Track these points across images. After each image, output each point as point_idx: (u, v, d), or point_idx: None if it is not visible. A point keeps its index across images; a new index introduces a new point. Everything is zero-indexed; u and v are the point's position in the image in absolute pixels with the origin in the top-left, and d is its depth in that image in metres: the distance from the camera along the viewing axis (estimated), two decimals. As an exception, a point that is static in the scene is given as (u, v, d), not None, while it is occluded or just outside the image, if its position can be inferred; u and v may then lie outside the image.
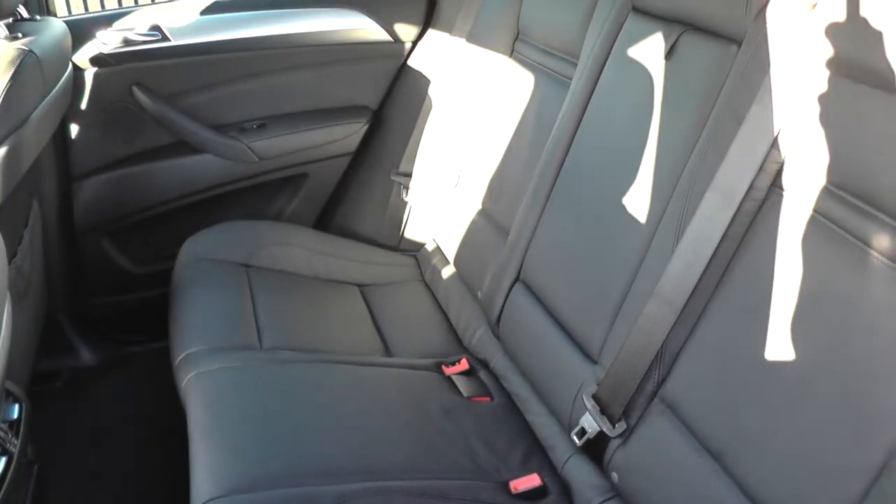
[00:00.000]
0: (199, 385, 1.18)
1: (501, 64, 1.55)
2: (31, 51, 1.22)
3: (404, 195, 1.76)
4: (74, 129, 1.62)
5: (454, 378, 1.31)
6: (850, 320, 0.75)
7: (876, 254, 0.73)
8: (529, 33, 1.51)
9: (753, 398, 0.83)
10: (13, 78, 1.12)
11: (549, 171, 1.28)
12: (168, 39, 1.64)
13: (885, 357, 0.71)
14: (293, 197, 1.84)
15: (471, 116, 1.60)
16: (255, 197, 1.82)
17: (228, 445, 1.04)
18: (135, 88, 1.63)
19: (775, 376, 0.81)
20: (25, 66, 1.18)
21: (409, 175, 1.74)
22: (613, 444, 1.01)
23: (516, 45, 1.54)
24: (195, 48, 1.66)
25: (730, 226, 0.88)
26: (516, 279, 1.31)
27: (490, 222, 1.48)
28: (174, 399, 1.24)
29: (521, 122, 1.47)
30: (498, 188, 1.49)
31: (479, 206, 1.53)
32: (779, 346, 0.81)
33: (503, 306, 1.33)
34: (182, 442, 1.10)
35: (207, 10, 1.71)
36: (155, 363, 1.44)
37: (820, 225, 0.80)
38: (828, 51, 0.80)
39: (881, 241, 0.73)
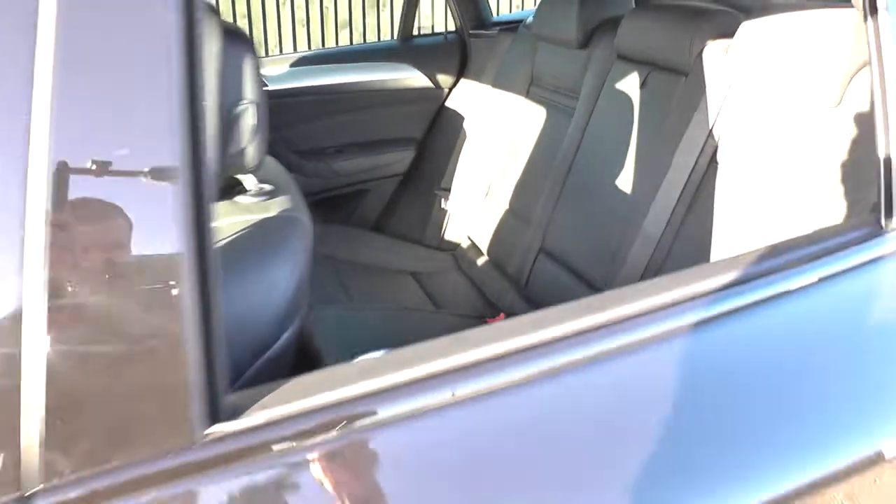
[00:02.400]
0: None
1: (519, 102, 2.08)
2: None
3: (444, 205, 2.26)
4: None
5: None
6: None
7: (764, 185, 1.23)
8: (541, 79, 2.03)
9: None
10: None
11: (562, 171, 1.79)
12: (266, 85, 2.16)
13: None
14: (356, 207, 2.35)
15: (497, 141, 2.12)
16: (327, 207, 2.32)
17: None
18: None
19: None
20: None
21: (448, 189, 2.25)
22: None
23: (531, 88, 2.07)
24: (287, 92, 2.19)
25: (685, 186, 1.38)
26: (539, 251, 1.80)
27: (515, 216, 1.97)
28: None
29: (537, 141, 1.98)
30: (521, 190, 1.99)
31: (507, 207, 2.03)
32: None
33: (530, 272, 1.81)
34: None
35: (295, 63, 2.24)
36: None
37: (740, 178, 1.30)
38: (736, 76, 1.32)
39: (769, 177, 1.23)
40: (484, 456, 0.57)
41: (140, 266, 0.48)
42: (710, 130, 1.36)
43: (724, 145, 1.34)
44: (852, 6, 1.05)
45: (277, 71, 2.20)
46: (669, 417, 0.61)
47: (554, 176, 1.82)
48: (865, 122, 1.03)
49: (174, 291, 0.48)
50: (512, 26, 2.24)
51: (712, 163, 1.37)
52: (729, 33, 1.35)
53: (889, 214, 0.75)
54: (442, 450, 0.56)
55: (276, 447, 0.52)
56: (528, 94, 2.07)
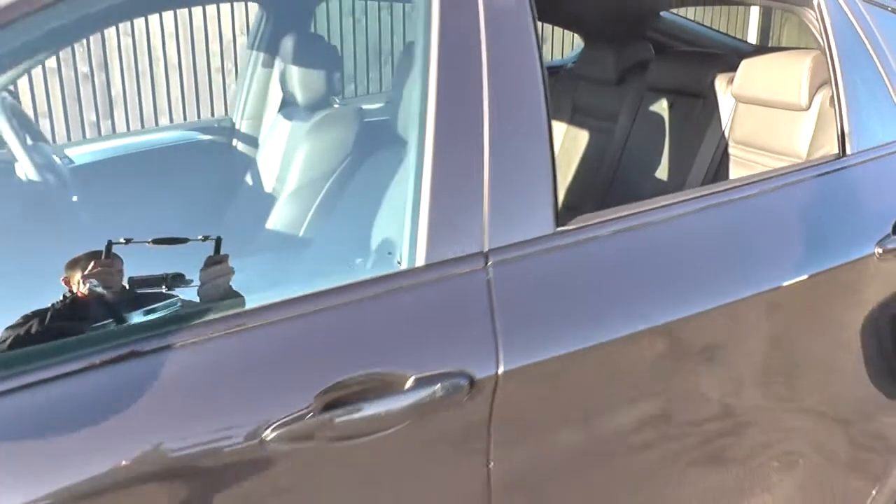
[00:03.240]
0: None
1: (565, 128, 2.71)
2: None
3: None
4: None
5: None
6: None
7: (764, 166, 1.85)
8: (583, 108, 2.66)
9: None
10: None
11: (607, 180, 2.41)
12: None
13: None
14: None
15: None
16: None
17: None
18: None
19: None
20: None
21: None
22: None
23: (574, 116, 2.70)
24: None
25: (705, 176, 2.00)
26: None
27: (570, 211, 2.58)
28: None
29: (581, 158, 2.60)
30: (574, 191, 2.60)
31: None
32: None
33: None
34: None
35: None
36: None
37: (745, 164, 1.92)
38: (738, 97, 1.95)
39: (767, 162, 1.85)
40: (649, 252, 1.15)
41: None
42: (723, 134, 1.99)
43: (733, 143, 1.97)
44: (810, 48, 1.69)
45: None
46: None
47: (599, 184, 2.43)
48: (825, 116, 1.65)
49: None
50: (553, 70, 2.89)
51: (724, 156, 1.99)
52: (732, 68, 1.99)
53: (843, 150, 1.37)
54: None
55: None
56: (570, 122, 2.70)
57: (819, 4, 1.42)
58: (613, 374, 1.08)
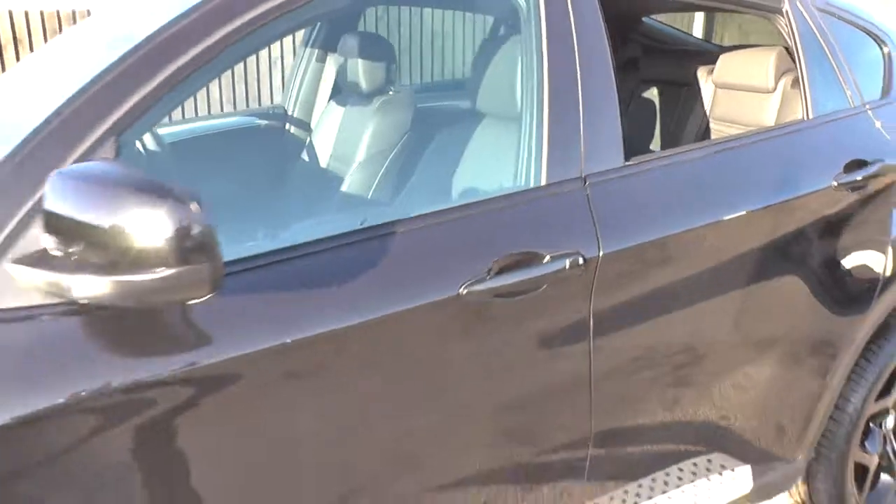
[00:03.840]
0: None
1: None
2: None
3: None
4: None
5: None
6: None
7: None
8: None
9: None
10: None
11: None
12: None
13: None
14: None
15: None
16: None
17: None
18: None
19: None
20: None
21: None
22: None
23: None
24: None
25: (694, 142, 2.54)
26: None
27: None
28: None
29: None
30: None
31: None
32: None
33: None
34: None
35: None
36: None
37: (721, 133, 2.45)
38: (718, 83, 2.49)
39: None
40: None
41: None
42: (705, 113, 2.53)
43: (713, 120, 2.50)
44: (773, 45, 2.24)
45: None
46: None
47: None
48: (787, 96, 2.19)
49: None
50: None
51: (707, 130, 2.53)
52: (709, 62, 2.52)
53: (806, 115, 1.90)
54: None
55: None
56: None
57: (787, 13, 1.96)
58: (666, 260, 1.58)
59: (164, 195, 0.96)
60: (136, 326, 1.09)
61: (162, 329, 1.11)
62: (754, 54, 2.33)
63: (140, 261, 0.96)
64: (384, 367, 1.30)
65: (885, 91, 2.08)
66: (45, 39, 5.37)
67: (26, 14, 5.28)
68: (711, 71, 2.51)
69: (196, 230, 0.95)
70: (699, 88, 2.56)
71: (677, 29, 3.22)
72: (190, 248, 0.95)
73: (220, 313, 1.14)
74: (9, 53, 5.31)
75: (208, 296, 1.01)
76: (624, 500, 1.77)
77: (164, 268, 0.96)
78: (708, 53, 2.65)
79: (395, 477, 1.39)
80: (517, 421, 1.49)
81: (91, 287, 0.97)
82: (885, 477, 2.23)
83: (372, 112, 2.42)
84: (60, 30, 5.47)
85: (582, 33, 1.55)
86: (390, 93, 2.53)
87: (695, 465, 1.89)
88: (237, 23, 1.25)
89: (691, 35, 3.21)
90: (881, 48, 2.14)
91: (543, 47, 1.51)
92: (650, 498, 1.77)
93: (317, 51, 2.82)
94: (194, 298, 1.00)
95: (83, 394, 1.04)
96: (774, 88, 2.26)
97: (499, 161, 1.61)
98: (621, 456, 1.71)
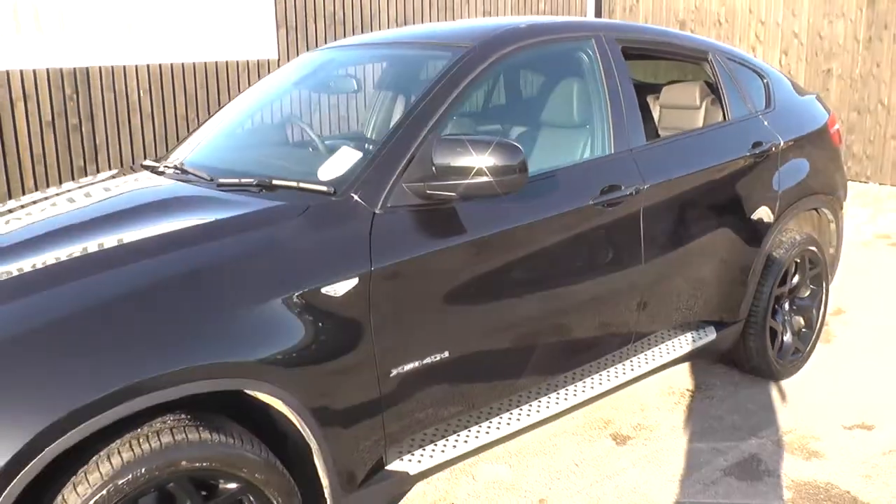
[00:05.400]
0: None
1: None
2: None
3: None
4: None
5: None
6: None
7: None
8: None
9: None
10: None
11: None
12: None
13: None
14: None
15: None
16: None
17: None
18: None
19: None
20: None
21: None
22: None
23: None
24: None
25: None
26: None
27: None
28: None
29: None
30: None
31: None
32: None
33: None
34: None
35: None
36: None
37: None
38: (662, 103, 3.90)
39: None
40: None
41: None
42: (655, 123, 3.92)
43: (661, 128, 3.90)
44: (696, 80, 3.68)
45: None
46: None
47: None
48: (708, 111, 3.61)
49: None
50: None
51: (657, 135, 3.92)
52: (655, 91, 3.92)
53: (725, 118, 3.32)
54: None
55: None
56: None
57: (711, 60, 3.38)
58: (672, 188, 2.90)
59: (493, 142, 2.14)
60: (467, 214, 2.27)
61: (484, 212, 2.30)
62: (686, 86, 3.75)
63: (490, 174, 2.13)
64: (553, 246, 2.52)
65: (767, 104, 3.54)
66: (53, 97, 6.13)
67: (34, 73, 6.05)
68: (657, 97, 3.92)
69: (520, 158, 2.15)
70: (650, 109, 3.96)
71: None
72: (517, 166, 2.14)
73: (489, 211, 2.33)
74: (18, 110, 6.07)
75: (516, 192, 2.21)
76: (650, 341, 3.05)
77: (501, 176, 2.14)
78: (655, 86, 4.07)
79: (549, 317, 2.58)
80: (615, 277, 2.74)
81: (469, 189, 2.13)
82: (786, 338, 3.63)
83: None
84: (76, 87, 6.27)
85: (619, 72, 2.87)
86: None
87: (689, 324, 3.21)
88: (461, 86, 2.46)
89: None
90: (762, 79, 3.62)
91: (603, 80, 2.83)
92: (666, 341, 3.06)
93: (388, 92, 3.99)
94: (513, 193, 2.19)
95: (442, 248, 2.21)
96: (700, 106, 3.68)
97: (590, 143, 2.87)
98: (652, 315, 2.98)
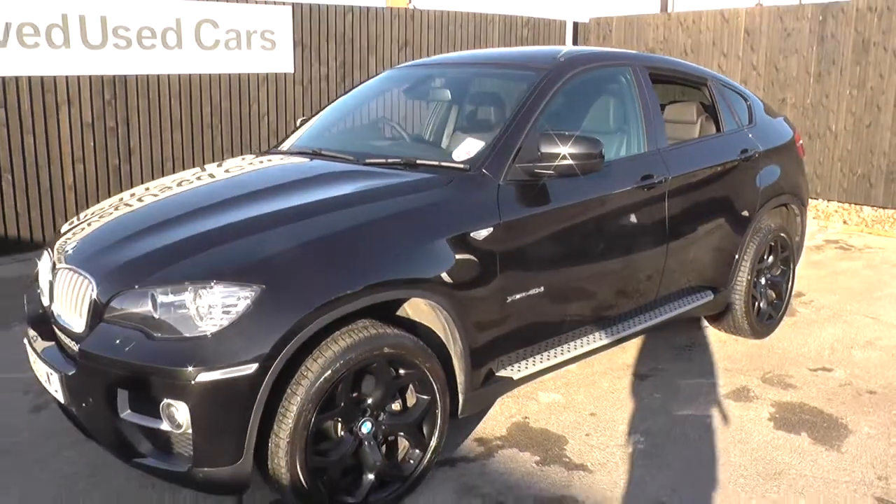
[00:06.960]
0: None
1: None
2: None
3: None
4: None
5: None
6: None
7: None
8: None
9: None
10: None
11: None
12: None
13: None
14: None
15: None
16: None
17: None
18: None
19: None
20: None
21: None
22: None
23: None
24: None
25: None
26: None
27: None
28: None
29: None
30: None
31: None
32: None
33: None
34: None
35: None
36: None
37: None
38: (665, 118, 4.86)
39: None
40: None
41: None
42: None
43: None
44: (693, 100, 4.64)
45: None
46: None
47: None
48: (703, 125, 4.55)
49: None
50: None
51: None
52: (662, 110, 4.86)
53: (718, 130, 4.27)
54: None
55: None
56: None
57: (708, 85, 4.35)
58: (689, 178, 3.82)
59: (582, 137, 3.01)
60: (557, 187, 3.13)
61: (569, 187, 3.17)
62: (685, 105, 4.70)
63: (577, 159, 2.99)
64: (611, 213, 3.40)
65: (749, 120, 4.52)
66: (93, 101, 6.75)
67: (78, 80, 6.67)
68: (662, 114, 4.86)
69: (600, 148, 3.01)
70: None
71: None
72: (597, 154, 3.01)
73: (572, 186, 3.19)
74: (62, 113, 6.67)
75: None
76: (667, 298, 3.94)
77: (584, 161, 3.00)
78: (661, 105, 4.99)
79: (611, 272, 3.45)
80: (649, 240, 3.62)
81: (561, 169, 2.99)
82: (762, 305, 4.57)
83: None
84: (114, 93, 6.91)
85: (648, 92, 3.79)
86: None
87: (693, 288, 4.12)
88: (547, 97, 3.33)
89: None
90: (746, 101, 4.59)
91: (638, 97, 3.74)
92: (678, 299, 3.97)
93: (452, 104, 4.82)
94: (594, 173, 3.06)
95: (541, 212, 3.07)
96: (696, 122, 4.63)
97: (631, 142, 3.76)
98: (672, 273, 3.87)
